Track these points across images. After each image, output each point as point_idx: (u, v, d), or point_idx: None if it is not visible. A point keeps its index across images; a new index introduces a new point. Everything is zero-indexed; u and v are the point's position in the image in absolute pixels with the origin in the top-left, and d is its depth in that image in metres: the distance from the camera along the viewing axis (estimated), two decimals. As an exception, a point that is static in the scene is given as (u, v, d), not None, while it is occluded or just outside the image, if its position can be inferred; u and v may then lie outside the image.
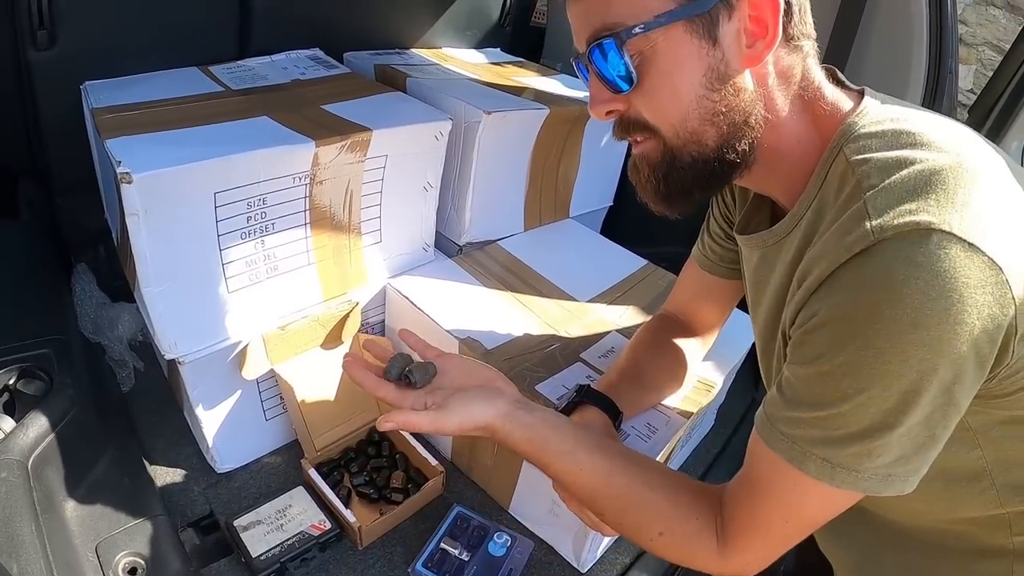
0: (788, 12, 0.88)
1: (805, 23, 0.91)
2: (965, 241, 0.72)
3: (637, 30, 0.86)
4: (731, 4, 0.85)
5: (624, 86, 0.91)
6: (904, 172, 0.78)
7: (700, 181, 0.96)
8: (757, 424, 0.93)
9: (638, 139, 0.97)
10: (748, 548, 0.96)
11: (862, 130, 0.87)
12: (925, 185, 0.76)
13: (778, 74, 0.91)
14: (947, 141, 0.81)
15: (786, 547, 0.95)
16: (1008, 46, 1.86)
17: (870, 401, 0.78)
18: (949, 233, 0.72)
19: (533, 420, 1.11)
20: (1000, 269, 0.72)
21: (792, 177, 0.95)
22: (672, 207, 1.00)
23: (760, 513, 0.93)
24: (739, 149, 0.92)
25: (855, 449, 0.81)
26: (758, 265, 1.06)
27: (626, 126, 0.97)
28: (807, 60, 0.93)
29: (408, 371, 1.17)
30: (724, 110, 0.89)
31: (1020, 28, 1.83)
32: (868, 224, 0.76)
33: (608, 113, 0.96)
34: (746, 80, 0.89)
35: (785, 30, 0.88)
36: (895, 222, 0.74)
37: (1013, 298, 0.73)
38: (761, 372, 1.14)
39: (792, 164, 0.94)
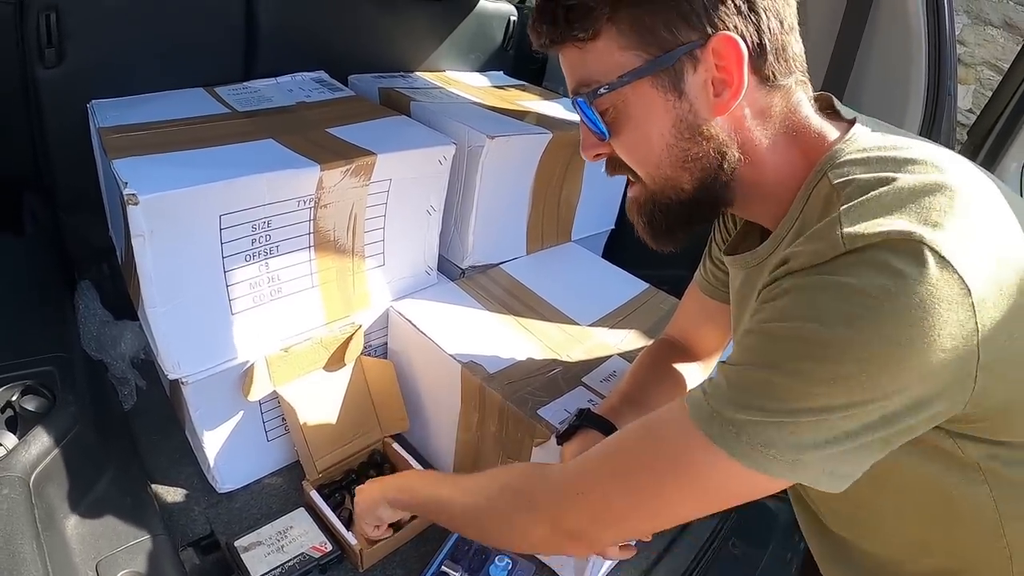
0: (762, 55, 0.88)
1: (784, 61, 0.91)
2: (937, 253, 0.70)
3: (603, 89, 0.91)
4: (696, 57, 0.87)
5: (604, 134, 0.96)
6: (884, 189, 0.77)
7: (681, 221, 1.00)
8: (687, 398, 0.88)
9: (629, 179, 1.03)
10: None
11: (847, 157, 0.87)
12: (902, 201, 0.75)
13: (756, 115, 0.92)
14: (933, 164, 0.80)
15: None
16: (1006, 66, 1.87)
17: (817, 374, 0.74)
18: (921, 243, 0.71)
19: (400, 482, 1.33)
20: (969, 292, 0.71)
21: (777, 205, 0.95)
22: (661, 244, 1.04)
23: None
24: (715, 191, 0.95)
25: (784, 421, 0.76)
26: (741, 285, 1.07)
27: (613, 165, 1.03)
28: (791, 95, 0.93)
29: None
30: (695, 156, 0.92)
31: (1019, 48, 1.83)
32: (839, 232, 0.75)
33: (596, 156, 1.02)
34: (716, 127, 0.91)
35: (759, 72, 0.89)
36: (867, 231, 0.73)
37: (977, 326, 0.72)
38: None
39: (776, 194, 0.95)
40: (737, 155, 0.92)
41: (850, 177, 0.83)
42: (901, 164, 0.81)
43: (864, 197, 0.78)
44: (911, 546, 1.01)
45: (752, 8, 0.86)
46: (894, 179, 0.78)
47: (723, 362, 0.85)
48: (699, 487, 0.86)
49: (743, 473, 0.79)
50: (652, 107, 0.91)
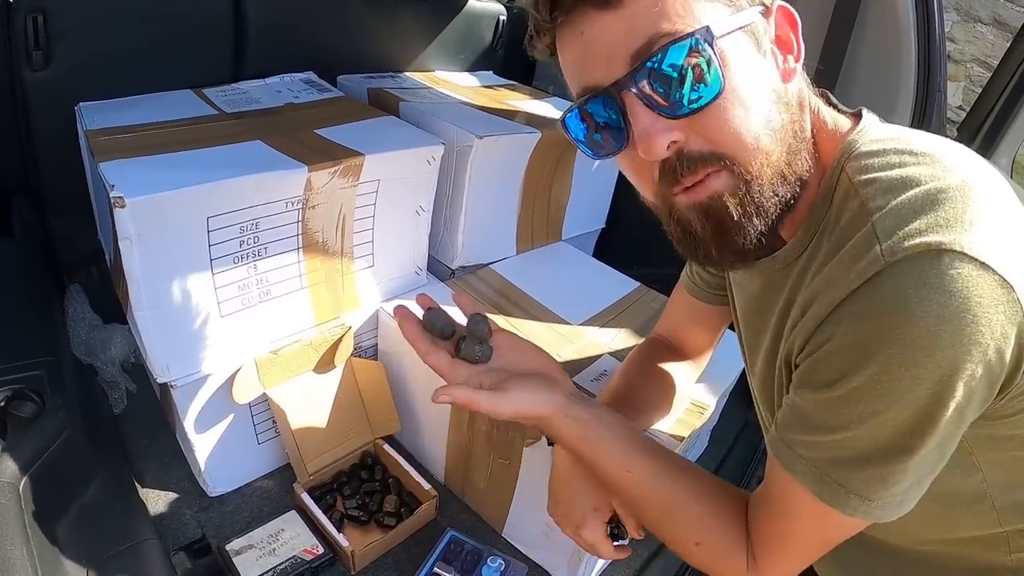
0: None
1: (802, 47, 0.90)
2: (976, 260, 0.71)
3: (721, 29, 0.79)
4: (765, 15, 0.85)
5: (706, 95, 0.80)
6: (911, 192, 0.77)
7: (781, 207, 0.87)
8: (772, 448, 0.91)
9: (699, 177, 0.84)
10: (775, 567, 0.96)
11: (863, 148, 0.86)
12: (933, 204, 0.75)
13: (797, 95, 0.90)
14: (949, 159, 0.80)
15: (809, 562, 0.96)
16: (996, 62, 1.87)
17: (885, 425, 0.77)
18: (960, 252, 0.71)
19: (588, 417, 1.09)
20: (1011, 287, 0.71)
21: (794, 196, 0.90)
22: (740, 254, 0.89)
23: (783, 535, 0.93)
24: (801, 167, 0.87)
25: (871, 472, 0.80)
26: (762, 291, 1.03)
27: (684, 163, 0.84)
28: (803, 80, 0.92)
29: (476, 348, 1.12)
30: (784, 124, 0.84)
31: (1008, 44, 1.84)
32: (878, 248, 0.75)
33: (672, 145, 0.83)
34: (790, 94, 0.87)
35: None
36: (905, 244, 0.73)
37: None
38: (757, 398, 1.12)
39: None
40: (808, 131, 0.90)
41: (870, 175, 0.82)
42: (919, 157, 0.81)
43: (894, 203, 0.77)
44: (907, 535, 1.03)
45: None
46: (919, 179, 0.78)
47: (798, 413, 0.87)
48: (831, 532, 0.91)
49: (856, 521, 0.86)
50: (748, 64, 0.82)
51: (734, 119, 0.81)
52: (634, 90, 0.81)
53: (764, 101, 0.83)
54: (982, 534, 0.97)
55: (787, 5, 0.86)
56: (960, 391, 0.74)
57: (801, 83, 0.90)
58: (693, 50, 0.78)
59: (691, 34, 0.77)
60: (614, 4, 0.79)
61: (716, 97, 0.79)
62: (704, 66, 0.78)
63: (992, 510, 0.94)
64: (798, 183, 0.87)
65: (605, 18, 0.80)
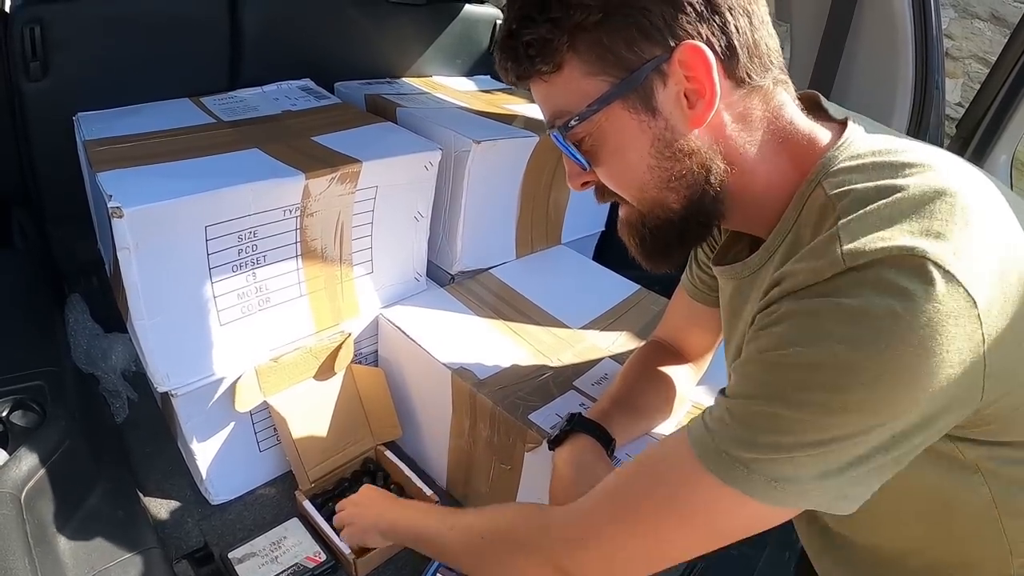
0: (732, 56, 0.85)
1: (758, 58, 0.88)
2: (942, 268, 0.69)
3: (573, 121, 0.90)
4: (663, 72, 0.84)
5: (585, 165, 0.95)
6: (882, 201, 0.75)
7: (674, 241, 0.97)
8: (688, 428, 0.86)
9: (619, 201, 1.00)
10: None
11: (841, 164, 0.84)
12: (903, 214, 0.73)
13: (736, 120, 0.89)
14: (931, 168, 0.78)
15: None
16: (994, 58, 1.87)
17: (807, 403, 0.73)
18: (924, 258, 0.69)
19: (391, 512, 1.31)
20: (975, 303, 0.69)
21: (769, 216, 0.92)
22: (656, 265, 1.02)
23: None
24: (705, 206, 0.92)
25: (770, 441, 0.76)
26: (732, 297, 1.04)
27: (602, 192, 1.00)
28: (772, 96, 0.90)
29: None
30: (679, 174, 0.89)
31: (1005, 40, 1.83)
32: (839, 250, 0.73)
33: (583, 185, 1.00)
34: (696, 141, 0.88)
35: (733, 75, 0.86)
36: (867, 248, 0.71)
37: (984, 336, 0.71)
38: None
39: (768, 205, 0.92)
40: (723, 166, 0.89)
41: (848, 187, 0.80)
42: (899, 169, 0.79)
43: (864, 210, 0.75)
44: (910, 541, 1.01)
45: (714, 10, 0.83)
46: (893, 188, 0.76)
47: (724, 393, 0.83)
48: (711, 526, 0.85)
49: (756, 508, 0.79)
50: (627, 131, 0.89)
51: (616, 177, 0.95)
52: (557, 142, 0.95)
53: (647, 158, 0.90)
54: (986, 543, 0.96)
55: (694, 43, 0.82)
56: (908, 401, 0.71)
57: (750, 103, 0.89)
58: (565, 133, 0.92)
59: (564, 122, 0.91)
60: (535, 80, 0.92)
61: (593, 166, 0.95)
62: (577, 144, 0.93)
63: (997, 520, 0.92)
64: (706, 213, 0.94)
65: (534, 88, 0.95)
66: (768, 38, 0.89)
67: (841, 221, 0.76)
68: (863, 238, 0.72)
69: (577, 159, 0.94)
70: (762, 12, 0.88)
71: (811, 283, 0.75)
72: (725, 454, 0.78)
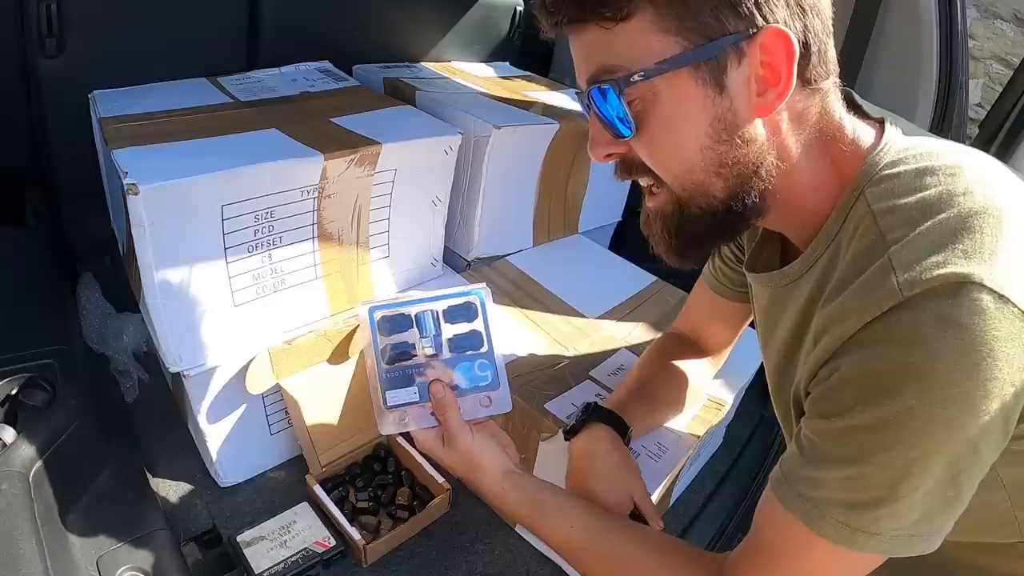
0: (805, 55, 0.82)
1: (825, 63, 0.86)
2: (995, 292, 0.69)
3: (637, 77, 0.81)
4: (741, 50, 0.80)
5: (625, 132, 0.87)
6: (930, 222, 0.74)
7: (712, 233, 0.93)
8: (772, 483, 0.88)
9: (647, 187, 0.94)
10: None
11: (884, 171, 0.83)
12: (951, 235, 0.72)
13: (792, 119, 0.87)
14: (973, 181, 0.77)
15: None
16: (1016, 60, 1.86)
17: (895, 460, 0.74)
18: (979, 284, 0.69)
19: (528, 481, 1.12)
20: None
21: (808, 219, 0.91)
22: (685, 260, 0.97)
23: None
24: (749, 201, 0.88)
25: (878, 512, 0.77)
26: (769, 306, 1.03)
27: (628, 168, 0.93)
28: (827, 99, 0.88)
29: None
30: (732, 162, 0.85)
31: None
32: (895, 280, 0.72)
33: (608, 156, 0.93)
34: (756, 130, 0.84)
35: (801, 74, 0.83)
36: (923, 277, 0.71)
37: None
38: (776, 414, 1.10)
39: (809, 208, 0.90)
40: (775, 162, 0.86)
41: (891, 202, 0.79)
42: (941, 178, 0.78)
43: (913, 234, 0.75)
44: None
45: (800, 4, 0.80)
46: (938, 204, 0.76)
47: (805, 447, 0.84)
48: None
49: (866, 558, 0.82)
50: (689, 102, 0.82)
51: (661, 152, 0.87)
52: (591, 105, 0.88)
53: (703, 138, 0.84)
54: (1002, 543, 0.96)
55: (783, 29, 0.79)
56: (973, 427, 0.72)
57: (808, 104, 0.87)
58: (621, 90, 0.83)
59: (619, 78, 0.83)
60: (591, 26, 0.83)
61: (637, 135, 0.86)
62: (629, 108, 0.84)
63: (1014, 522, 0.92)
64: (749, 208, 0.89)
65: (576, 43, 0.87)
66: (831, 47, 0.87)
67: (891, 249, 0.75)
68: (917, 267, 0.72)
69: (622, 123, 0.85)
70: (830, 21, 0.85)
71: (869, 319, 0.74)
72: (830, 517, 0.80)
